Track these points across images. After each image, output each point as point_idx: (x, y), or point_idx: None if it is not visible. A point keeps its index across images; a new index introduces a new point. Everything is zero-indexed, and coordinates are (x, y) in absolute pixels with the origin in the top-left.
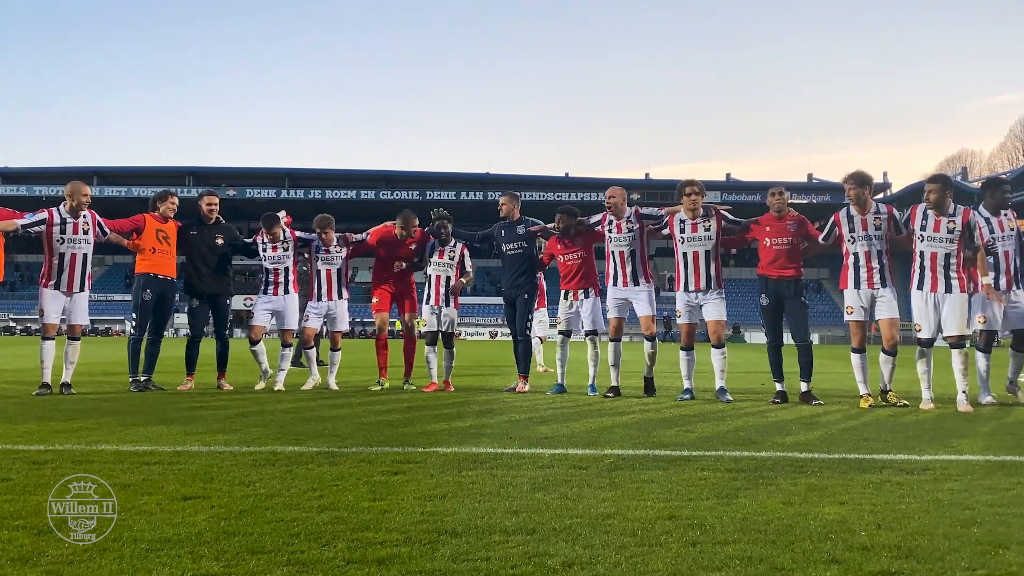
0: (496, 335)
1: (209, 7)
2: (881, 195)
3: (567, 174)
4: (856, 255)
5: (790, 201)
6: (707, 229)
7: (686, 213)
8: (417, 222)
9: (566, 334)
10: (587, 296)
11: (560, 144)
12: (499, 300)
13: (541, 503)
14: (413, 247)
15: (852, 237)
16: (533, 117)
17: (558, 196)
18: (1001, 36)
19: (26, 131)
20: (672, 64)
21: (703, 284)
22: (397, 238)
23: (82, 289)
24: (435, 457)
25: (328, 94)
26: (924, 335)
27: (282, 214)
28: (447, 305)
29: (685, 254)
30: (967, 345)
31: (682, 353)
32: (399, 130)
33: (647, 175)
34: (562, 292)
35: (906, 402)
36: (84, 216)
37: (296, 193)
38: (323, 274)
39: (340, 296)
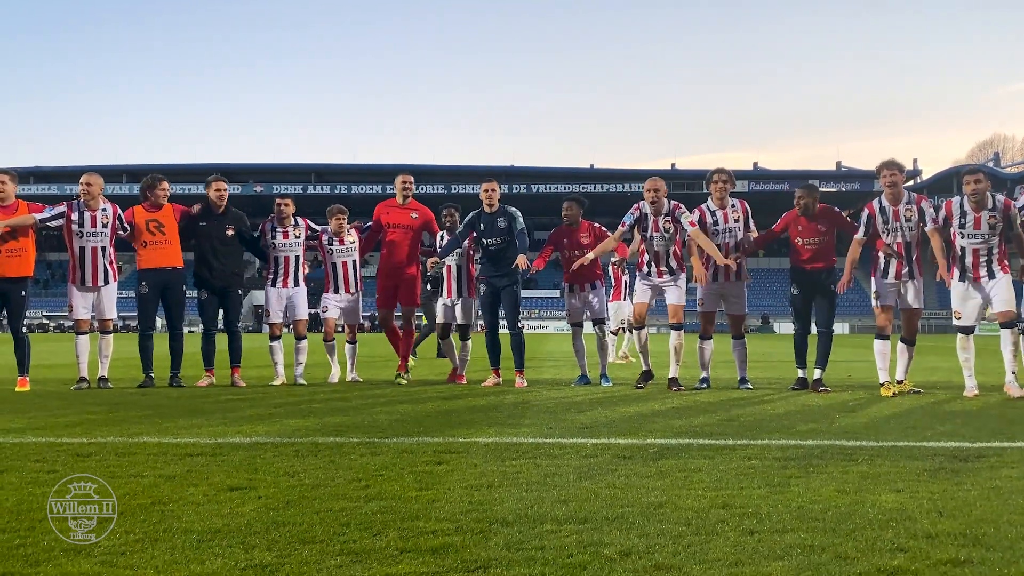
0: (523, 328)
1: (236, 3)
2: (911, 182)
3: (592, 165)
4: (888, 246)
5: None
6: (736, 220)
7: (715, 203)
8: (412, 181)
9: (578, 325)
10: (594, 288)
11: (585, 135)
12: (531, 292)
13: (590, 492)
14: (415, 215)
15: (885, 229)
16: (557, 108)
17: (583, 187)
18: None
19: (57, 130)
20: (698, 52)
21: (732, 275)
22: (399, 205)
23: (107, 282)
24: (476, 447)
25: (353, 89)
26: (964, 323)
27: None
28: (460, 296)
29: (717, 246)
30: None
31: (701, 342)
32: (424, 124)
33: (673, 165)
34: (566, 285)
35: (920, 389)
36: (104, 209)
37: (323, 188)
38: (339, 267)
39: (357, 289)
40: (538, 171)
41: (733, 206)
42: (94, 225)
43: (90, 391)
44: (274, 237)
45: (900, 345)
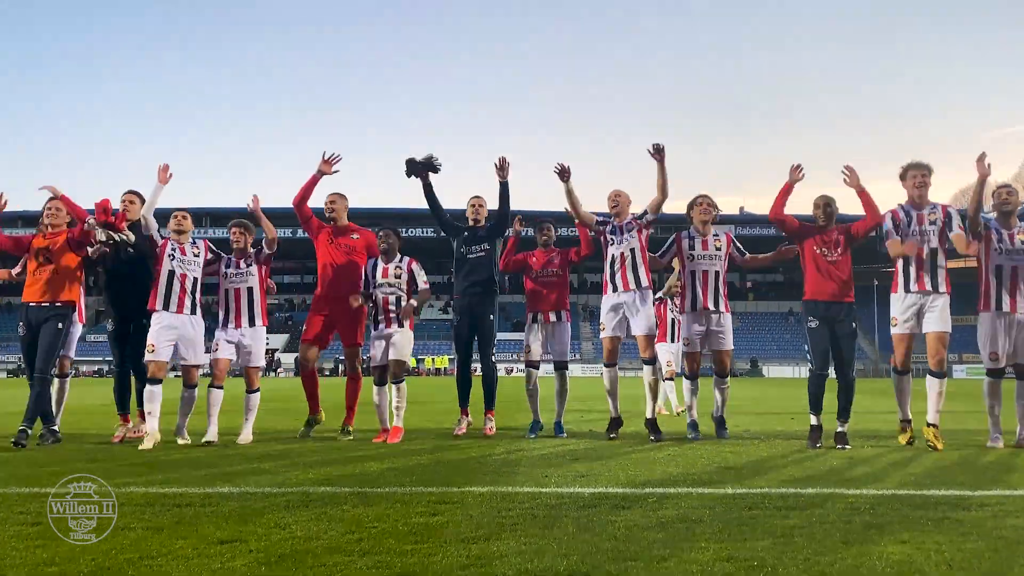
0: (512, 371)
1: (227, 50)
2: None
3: None
4: (905, 260)
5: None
6: (718, 248)
7: (695, 229)
8: (336, 200)
9: (534, 365)
10: (559, 320)
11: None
12: (516, 335)
13: (591, 545)
14: (355, 236)
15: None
16: (546, 148)
17: (572, 232)
18: (1016, 66)
19: (44, 175)
20: (682, 97)
21: (712, 304)
22: (336, 226)
23: None
24: (472, 497)
25: (344, 132)
26: (999, 364)
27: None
28: (400, 326)
29: (693, 272)
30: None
31: (686, 382)
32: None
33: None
34: (529, 315)
35: (939, 446)
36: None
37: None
38: (231, 294)
39: (253, 323)
40: (529, 213)
41: (716, 236)
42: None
43: (75, 440)
44: (173, 251)
45: (928, 379)
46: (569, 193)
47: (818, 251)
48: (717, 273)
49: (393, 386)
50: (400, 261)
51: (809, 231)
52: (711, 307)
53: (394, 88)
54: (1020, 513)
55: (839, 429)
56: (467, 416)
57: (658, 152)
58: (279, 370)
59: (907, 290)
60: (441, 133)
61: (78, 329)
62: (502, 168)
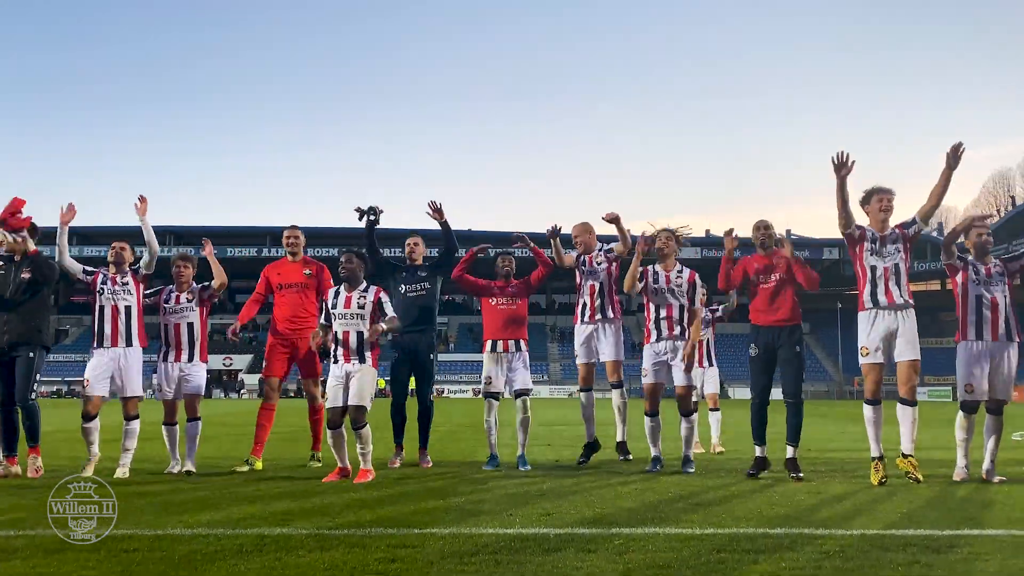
0: (479, 393)
1: (189, 70)
2: None
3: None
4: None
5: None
6: (679, 284)
7: (659, 263)
8: (298, 235)
9: (493, 396)
10: (518, 349)
11: (541, 200)
12: (480, 357)
13: None
14: (308, 271)
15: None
16: (513, 174)
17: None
18: (972, 91)
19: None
20: (648, 121)
21: (677, 331)
22: (289, 262)
23: None
24: (432, 540)
25: (310, 152)
26: (975, 398)
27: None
28: (361, 362)
29: (658, 306)
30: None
31: (647, 419)
32: (382, 188)
33: (628, 231)
34: (487, 343)
35: (920, 477)
36: None
37: (278, 252)
38: (171, 329)
39: (191, 359)
40: (497, 235)
41: (680, 271)
42: None
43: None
44: (104, 282)
45: (899, 409)
46: (556, 250)
47: (755, 277)
48: (682, 307)
49: (355, 432)
50: (365, 290)
51: (749, 264)
52: (676, 333)
53: (365, 110)
54: (989, 555)
55: (789, 455)
56: (401, 451)
57: (613, 221)
58: (242, 391)
59: (875, 303)
60: (409, 150)
61: None
62: (436, 211)
